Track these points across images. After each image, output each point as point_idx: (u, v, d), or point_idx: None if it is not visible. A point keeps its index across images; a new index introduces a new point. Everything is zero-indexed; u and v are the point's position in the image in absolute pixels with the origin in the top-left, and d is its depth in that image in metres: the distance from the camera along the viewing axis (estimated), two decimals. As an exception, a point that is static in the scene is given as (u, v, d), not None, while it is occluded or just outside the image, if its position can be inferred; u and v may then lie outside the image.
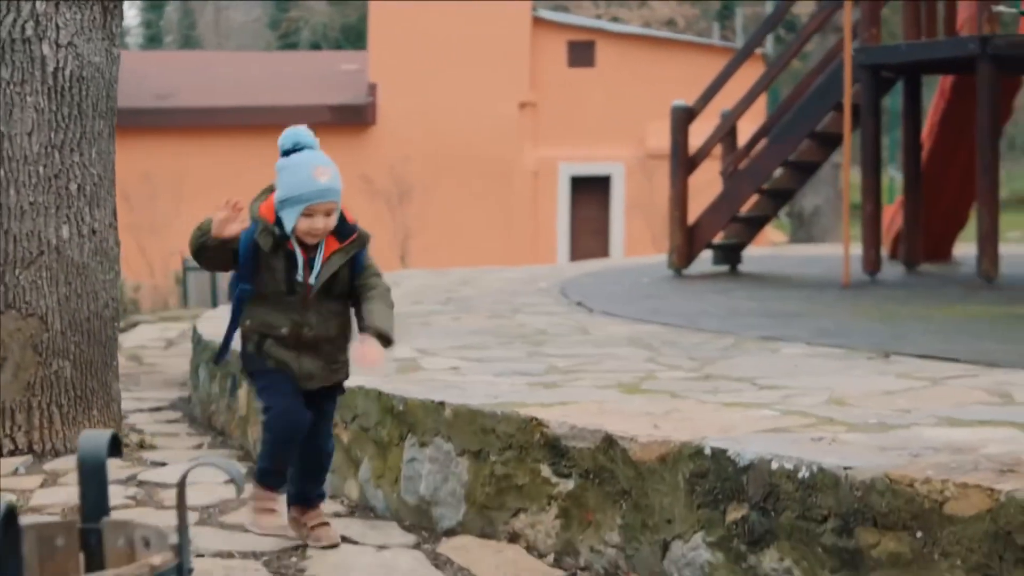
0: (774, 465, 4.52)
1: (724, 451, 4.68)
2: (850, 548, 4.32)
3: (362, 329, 5.06)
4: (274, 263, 5.02)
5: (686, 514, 4.78)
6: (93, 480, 3.20)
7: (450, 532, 5.64)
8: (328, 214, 4.96)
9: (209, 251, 5.00)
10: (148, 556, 3.08)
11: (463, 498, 5.62)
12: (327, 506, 5.94)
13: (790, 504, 4.47)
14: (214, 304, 22.58)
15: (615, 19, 41.51)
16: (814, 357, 7.19)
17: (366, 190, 29.12)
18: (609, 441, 5.04)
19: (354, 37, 45.52)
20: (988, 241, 12.00)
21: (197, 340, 9.31)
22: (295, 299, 5.04)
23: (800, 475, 4.45)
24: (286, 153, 5.01)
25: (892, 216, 16.01)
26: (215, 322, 9.75)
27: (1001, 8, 11.93)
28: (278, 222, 5.00)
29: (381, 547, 5.43)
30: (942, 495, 4.13)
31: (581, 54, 31.82)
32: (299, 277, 5.03)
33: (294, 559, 5.22)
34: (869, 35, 12.76)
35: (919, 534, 4.17)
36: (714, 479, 4.70)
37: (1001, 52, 11.82)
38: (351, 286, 5.12)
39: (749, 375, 6.49)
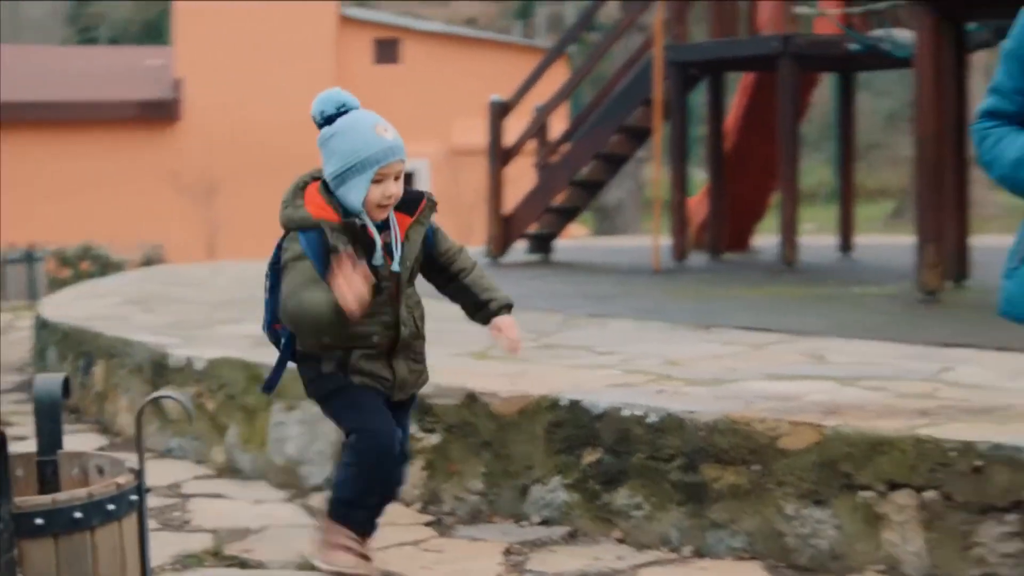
0: (625, 412, 5.08)
1: (579, 402, 5.22)
2: (695, 483, 4.89)
3: (481, 311, 4.51)
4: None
5: (544, 460, 5.30)
6: (48, 417, 3.59)
7: (317, 488, 6.07)
8: (398, 177, 4.23)
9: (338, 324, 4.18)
10: (104, 480, 3.48)
11: (331, 456, 6.06)
12: (194, 469, 6.33)
13: (640, 447, 5.02)
14: (33, 297, 22.46)
15: (418, 17, 42.03)
16: (641, 330, 7.78)
17: (174, 185, 29.18)
18: (472, 397, 5.54)
19: (155, 34, 45.30)
20: (789, 229, 12.79)
21: (43, 324, 9.55)
22: (383, 297, 4.28)
23: (648, 420, 5.01)
24: (328, 120, 4.26)
25: (695, 207, 16.78)
26: (59, 307, 9.99)
27: (805, 9, 12.72)
28: (345, 213, 4.23)
29: (257, 501, 5.85)
30: (776, 432, 4.73)
31: (387, 51, 32.29)
32: (381, 265, 4.27)
33: (176, 513, 5.61)
34: (676, 33, 13.46)
35: (756, 467, 4.76)
36: (570, 428, 5.23)
37: (801, 50, 12.62)
38: (426, 264, 4.49)
39: (586, 344, 7.04)
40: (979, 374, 5.83)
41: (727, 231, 14.96)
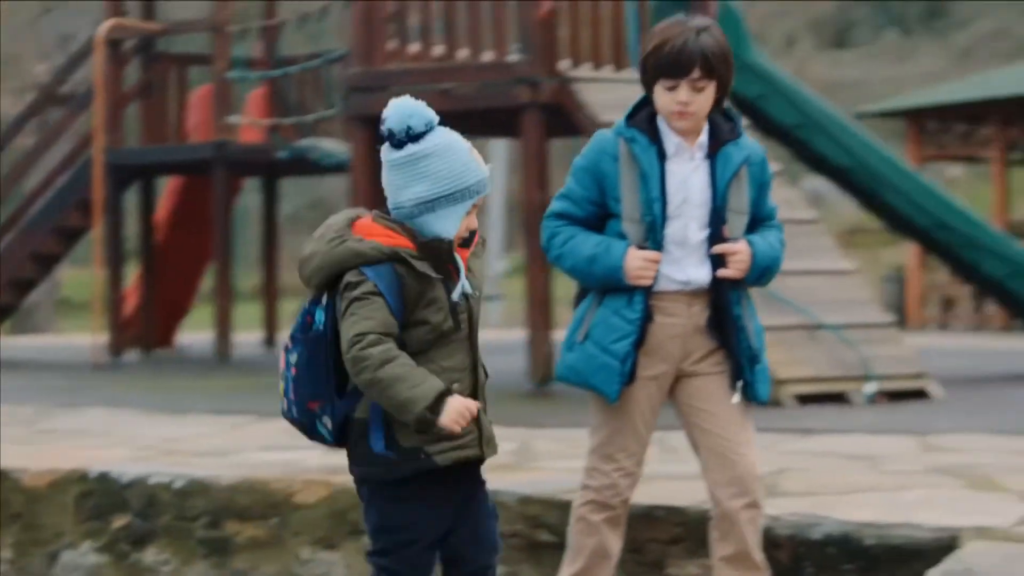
0: (152, 480, 5.76)
1: (107, 473, 5.86)
2: (219, 537, 5.64)
3: None
4: (436, 294, 3.73)
5: (74, 527, 5.87)
6: None
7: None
8: (478, 209, 3.83)
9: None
10: None
11: None
12: None
13: (167, 509, 5.71)
14: None
15: None
16: (119, 416, 8.40)
17: None
18: (1, 474, 6.03)
19: None
20: (224, 324, 13.60)
21: None
22: (461, 333, 3.78)
23: (175, 485, 5.71)
24: (413, 137, 3.69)
25: (124, 304, 17.22)
26: None
27: (236, 119, 13.61)
28: (425, 239, 3.72)
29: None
30: (291, 489, 5.56)
31: None
32: (459, 297, 3.76)
33: None
34: (114, 138, 14.03)
35: (274, 520, 5.56)
36: (99, 497, 5.84)
37: (234, 157, 13.52)
38: None
39: (80, 428, 7.60)
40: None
41: (156, 327, 15.53)
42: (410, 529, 3.76)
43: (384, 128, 3.68)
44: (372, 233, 3.67)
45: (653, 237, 4.30)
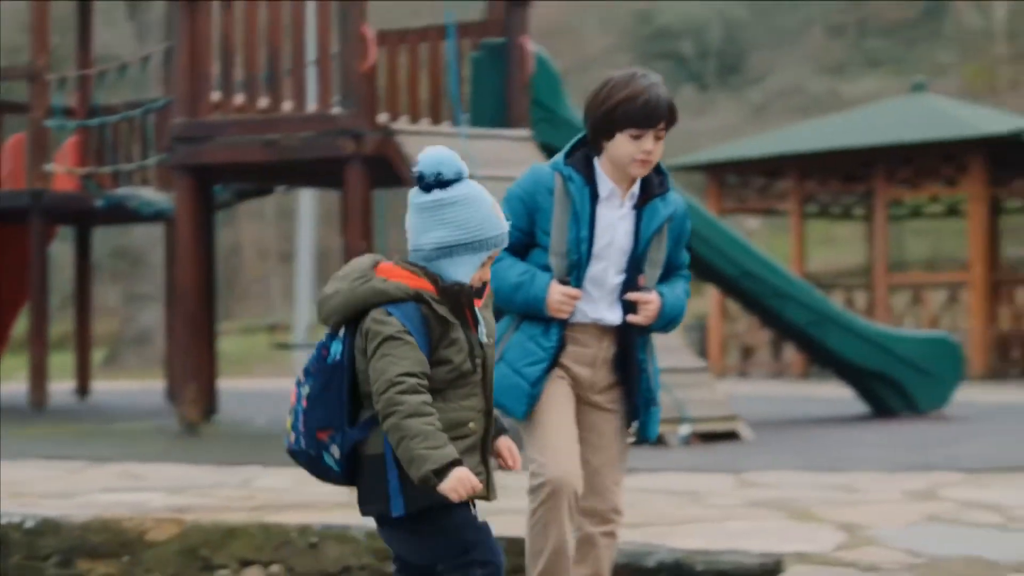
0: (2, 520, 5.84)
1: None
2: (71, 575, 5.74)
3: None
4: (457, 335, 3.86)
5: (-79, 569, 5.92)
6: None
7: None
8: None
9: None
10: None
11: None
12: None
13: (18, 548, 5.80)
14: None
15: None
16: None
17: None
18: None
19: None
20: (39, 374, 13.52)
21: None
22: (476, 375, 3.91)
23: (26, 525, 5.81)
24: (442, 184, 3.84)
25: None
26: None
27: (53, 167, 13.57)
28: (445, 284, 3.86)
29: None
30: (143, 527, 5.70)
31: None
32: (481, 339, 3.91)
33: None
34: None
35: (126, 558, 5.69)
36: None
37: (50, 204, 13.48)
38: None
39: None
40: (274, 481, 7.06)
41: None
42: (476, 531, 3.83)
43: (416, 171, 3.81)
44: (395, 275, 3.79)
45: (576, 274, 4.51)
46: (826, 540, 5.56)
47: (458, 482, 3.67)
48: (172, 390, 13.33)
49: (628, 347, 4.59)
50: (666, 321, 4.62)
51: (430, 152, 3.82)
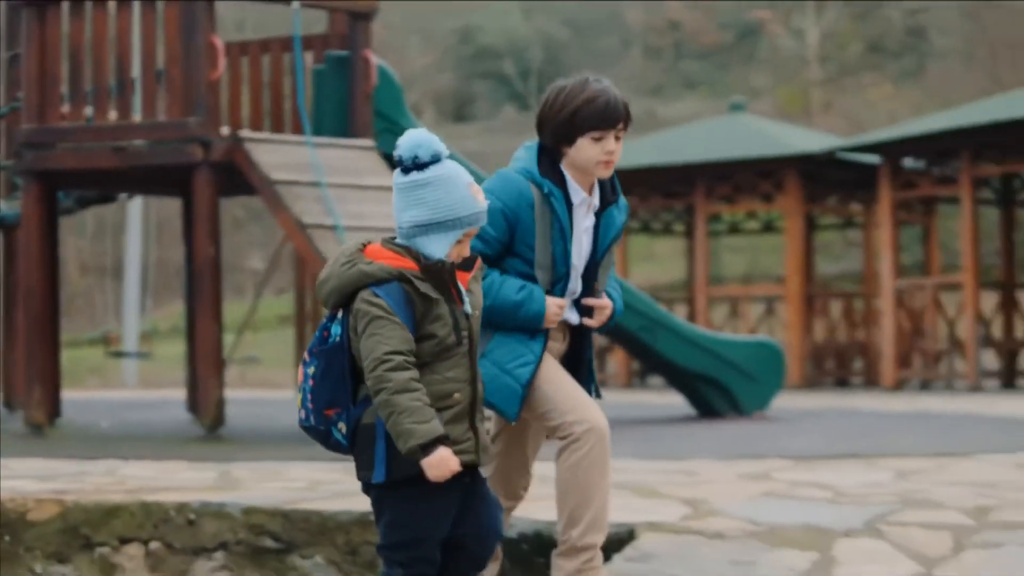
0: None
1: None
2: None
3: None
4: (441, 311, 4.09)
5: None
6: None
7: None
8: (469, 237, 4.20)
9: None
10: None
11: None
12: None
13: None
14: None
15: None
16: None
17: None
18: None
19: None
20: None
21: None
22: (462, 348, 4.14)
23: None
24: (419, 166, 4.08)
25: None
26: None
27: None
28: (428, 262, 4.10)
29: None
30: (24, 508, 5.91)
31: None
32: (466, 311, 4.15)
33: None
34: None
35: (7, 537, 5.90)
36: None
37: None
38: None
39: None
40: (139, 471, 7.30)
41: None
42: (417, 526, 4.09)
43: (396, 154, 4.06)
44: (380, 256, 4.04)
45: (563, 285, 4.68)
46: (673, 512, 5.99)
47: (441, 462, 3.93)
48: (9, 398, 13.33)
49: (580, 345, 4.81)
50: (613, 323, 4.85)
51: (409, 135, 4.05)
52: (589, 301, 4.73)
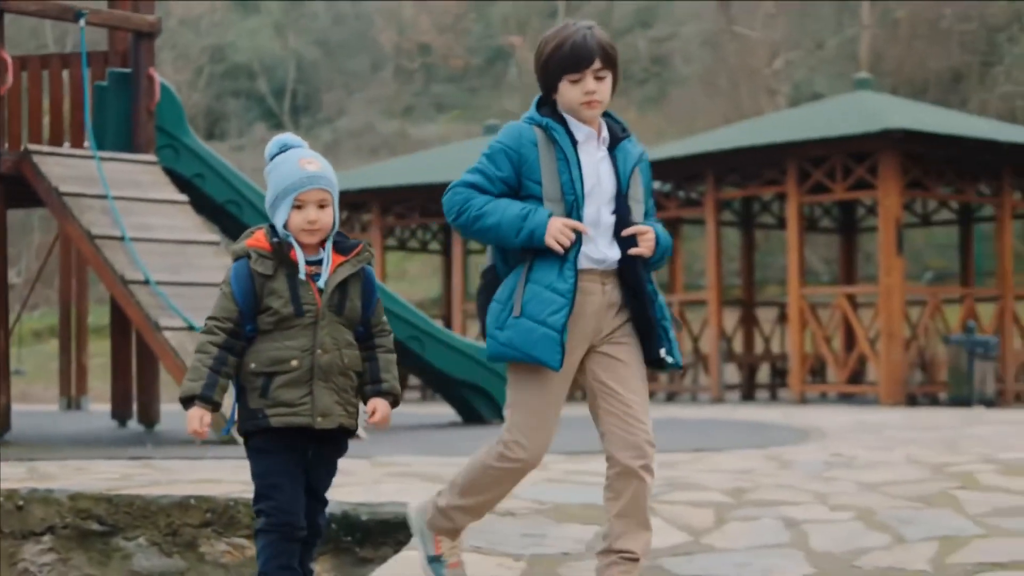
0: None
1: None
2: None
3: (373, 384, 4.73)
4: (276, 285, 4.55)
5: None
6: None
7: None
8: (322, 206, 4.56)
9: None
10: None
11: None
12: None
13: None
14: None
15: None
16: None
17: None
18: None
19: None
20: None
21: None
22: (305, 319, 4.54)
23: None
24: (271, 158, 4.69)
25: None
26: None
27: None
28: (275, 240, 4.57)
29: None
30: None
31: None
32: (303, 283, 4.56)
33: None
34: None
35: None
36: None
37: None
38: (362, 323, 4.71)
39: None
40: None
41: None
42: (265, 477, 4.57)
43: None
44: (251, 239, 4.58)
45: (576, 215, 4.61)
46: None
47: (189, 418, 4.47)
48: None
49: (636, 283, 4.70)
50: (661, 253, 4.74)
51: (271, 141, 4.68)
52: (630, 229, 4.67)
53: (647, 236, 4.67)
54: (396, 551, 6.22)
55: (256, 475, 4.59)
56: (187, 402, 4.48)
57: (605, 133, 4.74)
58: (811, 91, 34.60)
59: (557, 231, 4.54)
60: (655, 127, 37.39)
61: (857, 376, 20.76)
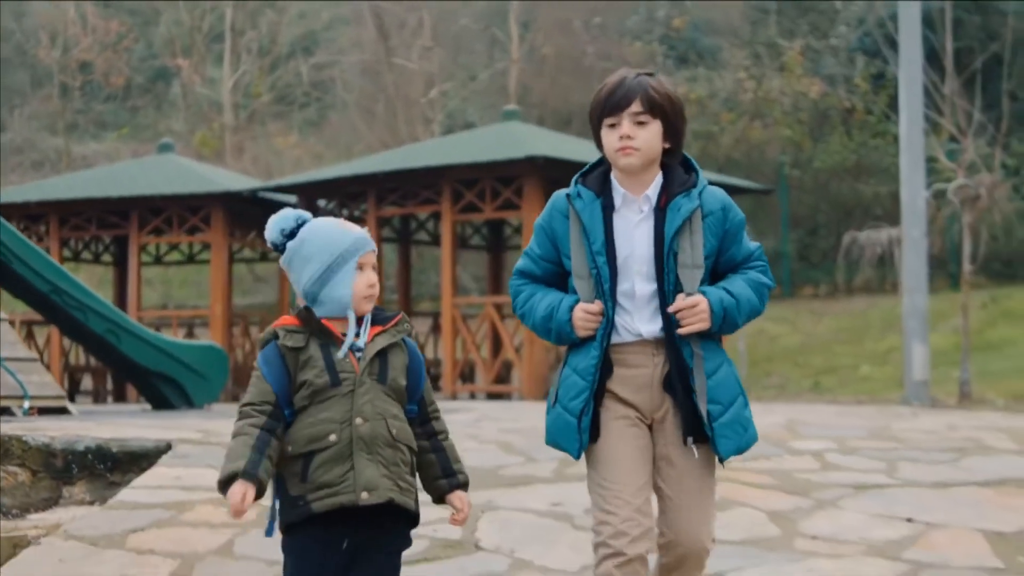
0: None
1: None
2: None
3: (448, 478, 4.28)
4: (309, 356, 4.14)
5: None
6: None
7: None
8: (374, 267, 4.22)
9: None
10: None
11: None
12: None
13: None
14: None
15: None
16: None
17: None
18: None
19: None
20: None
21: None
22: (342, 388, 4.10)
23: None
24: (289, 236, 4.24)
25: None
26: None
27: None
28: (299, 312, 4.18)
29: None
30: None
31: None
32: (343, 352, 4.13)
33: None
34: None
35: None
36: None
37: None
38: (415, 400, 4.27)
39: None
40: None
41: None
42: (306, 571, 4.07)
43: (269, 244, 4.21)
44: (277, 322, 4.20)
45: (600, 290, 4.26)
46: (196, 437, 8.21)
47: (230, 496, 3.93)
48: None
49: (677, 359, 4.28)
50: (720, 319, 4.27)
51: (269, 222, 4.25)
52: (673, 306, 4.26)
53: (694, 310, 4.25)
54: (139, 476, 7.75)
55: (291, 570, 4.13)
56: (226, 484, 3.97)
57: (652, 191, 4.34)
58: (464, 120, 36.29)
59: (580, 320, 4.31)
60: (314, 150, 38.85)
61: (503, 379, 22.68)
